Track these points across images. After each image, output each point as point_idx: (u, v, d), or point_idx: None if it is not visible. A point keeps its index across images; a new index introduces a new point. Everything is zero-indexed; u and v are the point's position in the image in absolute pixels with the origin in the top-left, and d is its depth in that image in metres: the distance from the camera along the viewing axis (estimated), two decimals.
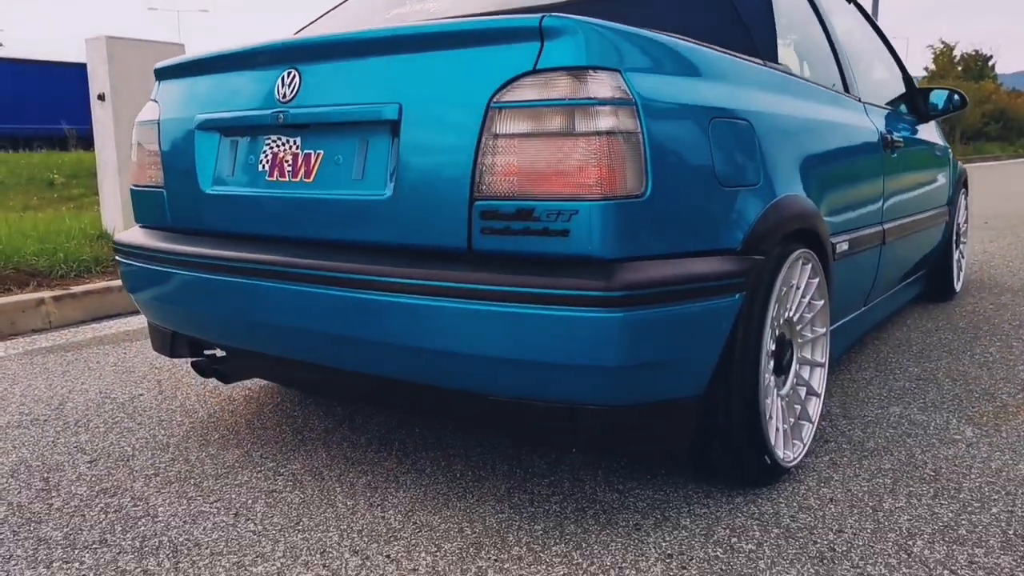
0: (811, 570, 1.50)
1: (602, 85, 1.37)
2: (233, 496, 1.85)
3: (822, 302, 1.97)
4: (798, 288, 1.86)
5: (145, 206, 2.09)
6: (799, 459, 1.89)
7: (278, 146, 1.74)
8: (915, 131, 3.13)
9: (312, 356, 1.71)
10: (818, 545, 1.59)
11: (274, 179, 1.74)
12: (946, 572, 1.49)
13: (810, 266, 1.88)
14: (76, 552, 1.62)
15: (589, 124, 1.36)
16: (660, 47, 1.56)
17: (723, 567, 1.51)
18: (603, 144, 1.35)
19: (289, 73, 1.69)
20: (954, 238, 3.81)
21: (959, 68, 35.90)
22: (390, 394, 1.68)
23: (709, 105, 1.59)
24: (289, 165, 1.71)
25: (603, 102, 1.36)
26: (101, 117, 5.06)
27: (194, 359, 2.12)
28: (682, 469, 1.94)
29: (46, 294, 3.71)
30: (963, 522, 1.69)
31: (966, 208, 4.08)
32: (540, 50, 1.40)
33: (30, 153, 13.92)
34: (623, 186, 1.37)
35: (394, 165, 1.54)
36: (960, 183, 3.80)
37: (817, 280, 1.93)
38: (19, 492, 1.90)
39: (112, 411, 2.46)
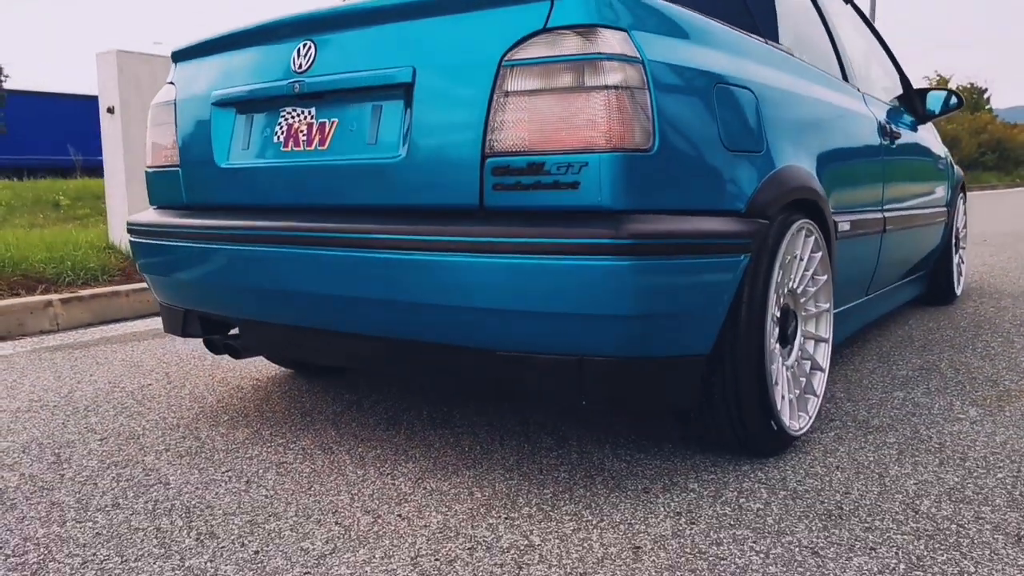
0: (819, 525, 1.51)
1: (610, 42, 1.42)
2: (244, 467, 1.87)
3: (825, 277, 2.00)
4: (801, 260, 1.89)
5: (160, 186, 2.13)
6: (805, 429, 1.91)
7: (293, 117, 1.78)
8: (914, 128, 3.19)
9: (326, 322, 1.74)
10: (825, 504, 1.60)
11: (289, 149, 1.78)
12: (953, 526, 1.50)
13: (813, 239, 1.92)
14: (89, 514, 1.63)
15: (598, 79, 1.40)
16: (666, 13, 1.61)
17: (732, 522, 1.52)
18: (612, 98, 1.39)
19: (305, 44, 1.74)
20: (954, 241, 3.85)
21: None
22: (401, 356, 1.71)
23: (713, 71, 1.64)
24: (304, 135, 1.75)
25: (611, 57, 1.41)
26: (110, 130, 5.13)
27: (206, 336, 2.14)
28: (689, 441, 1.96)
29: (54, 296, 3.74)
30: (969, 485, 1.70)
31: (964, 214, 4.13)
32: (550, 10, 1.45)
33: (35, 181, 14.04)
34: (631, 139, 1.41)
35: (407, 128, 1.58)
36: (958, 187, 3.86)
37: (820, 255, 1.96)
38: (31, 465, 1.91)
39: (121, 398, 2.48)
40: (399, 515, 1.59)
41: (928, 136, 3.46)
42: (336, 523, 1.56)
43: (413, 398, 2.41)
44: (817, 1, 2.60)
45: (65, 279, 4.20)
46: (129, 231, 2.18)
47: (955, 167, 3.92)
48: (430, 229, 1.50)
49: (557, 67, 1.42)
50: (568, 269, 1.39)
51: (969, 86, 37.32)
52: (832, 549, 1.41)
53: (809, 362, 1.99)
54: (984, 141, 26.49)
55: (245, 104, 1.88)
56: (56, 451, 2.00)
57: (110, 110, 5.11)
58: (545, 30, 1.45)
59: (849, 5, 3.10)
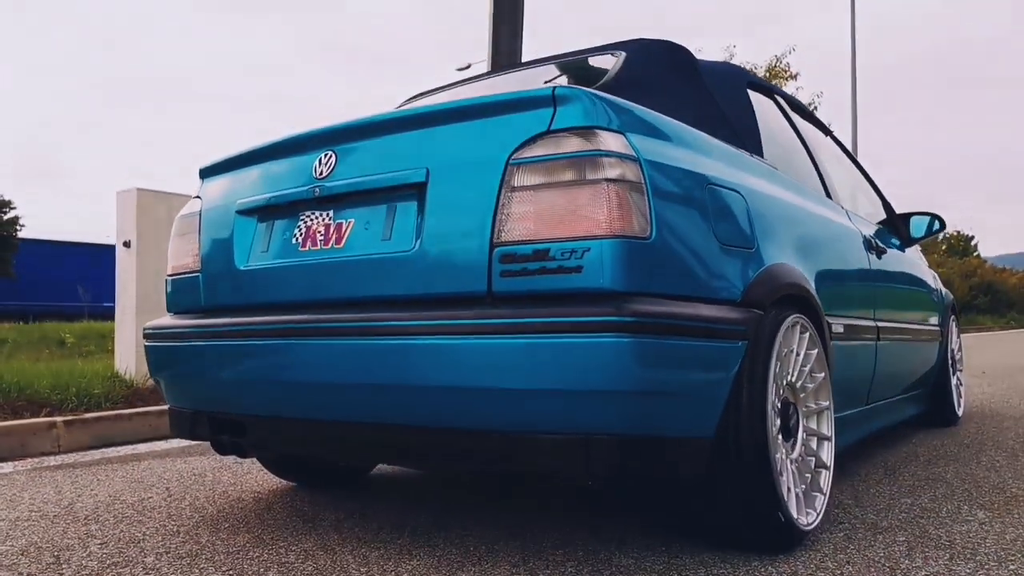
0: None
1: (608, 142, 1.55)
2: (245, 566, 1.84)
3: (823, 375, 2.05)
4: (798, 355, 1.95)
5: (178, 292, 2.22)
6: (814, 525, 1.90)
7: (312, 220, 1.89)
8: (900, 249, 3.33)
9: (337, 413, 1.77)
10: None
11: (306, 249, 1.88)
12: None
13: (808, 336, 1.98)
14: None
15: (598, 173, 1.52)
16: (658, 122, 1.76)
17: None
18: (611, 190, 1.51)
19: (327, 154, 1.88)
20: (950, 362, 3.90)
21: (943, 247, 37.31)
22: (412, 444, 1.72)
23: (704, 173, 1.77)
24: (321, 235, 1.86)
25: (610, 154, 1.53)
26: (125, 263, 5.30)
27: (213, 441, 2.16)
28: (697, 539, 1.93)
29: (57, 419, 3.75)
30: (981, 575, 1.68)
31: (958, 336, 4.21)
32: (553, 115, 1.59)
33: (42, 323, 14.22)
34: (630, 227, 1.51)
35: (420, 223, 1.69)
36: (949, 309, 3.96)
37: (816, 352, 2.02)
38: (29, 565, 1.88)
39: (121, 508, 2.45)
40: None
41: (915, 257, 3.60)
42: None
43: (417, 505, 2.39)
44: (797, 127, 2.80)
45: (69, 404, 4.22)
46: (145, 336, 2.24)
47: (945, 290, 4.03)
48: (441, 314, 1.58)
49: (560, 163, 1.55)
50: (572, 347, 1.45)
51: (956, 234, 38.50)
52: None
53: (813, 459, 2.01)
54: (975, 284, 27.03)
55: (267, 210, 2.00)
56: (55, 554, 1.97)
57: (126, 244, 5.31)
58: (549, 132, 1.58)
59: (829, 137, 3.32)
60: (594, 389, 1.45)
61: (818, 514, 1.93)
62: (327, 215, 1.87)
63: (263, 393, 1.89)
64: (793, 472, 1.88)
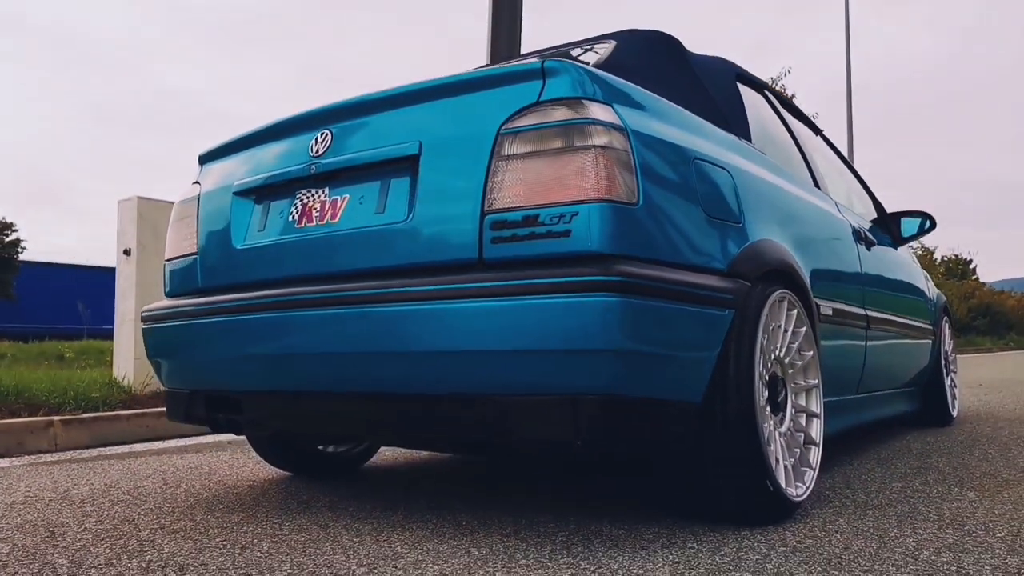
0: (819, 569, 1.50)
1: (596, 112, 1.59)
2: (239, 537, 1.86)
3: (811, 353, 2.08)
4: (786, 331, 1.98)
5: (176, 276, 2.25)
6: (803, 497, 1.91)
7: (308, 198, 1.93)
8: (891, 245, 3.36)
9: (332, 383, 1.79)
10: (825, 555, 1.59)
11: (302, 226, 1.91)
12: (953, 568, 1.50)
13: (795, 313, 2.01)
14: (82, 570, 1.61)
15: (586, 140, 1.56)
16: (646, 97, 1.80)
17: (730, 568, 1.51)
18: (599, 156, 1.55)
19: (323, 133, 1.92)
20: (943, 363, 3.92)
21: (941, 270, 37.34)
22: (403, 413, 1.74)
23: (691, 148, 1.81)
24: (317, 212, 1.90)
25: (597, 122, 1.57)
26: (125, 270, 5.34)
27: (208, 419, 2.18)
28: (687, 513, 1.95)
29: (54, 417, 3.77)
30: (968, 541, 1.69)
31: (951, 338, 4.23)
32: (542, 87, 1.64)
33: (41, 343, 14.23)
34: (617, 193, 1.54)
35: (412, 195, 1.72)
36: (941, 309, 3.98)
37: (804, 330, 2.05)
38: (24, 538, 1.90)
39: (116, 494, 2.46)
40: (396, 566, 1.57)
41: (907, 256, 3.64)
42: (331, 574, 1.54)
43: (411, 492, 2.41)
44: (787, 122, 2.85)
45: (67, 407, 4.23)
46: (143, 320, 2.27)
47: (938, 292, 4.06)
48: (433, 280, 1.61)
49: (549, 132, 1.59)
50: (560, 307, 1.48)
51: (954, 257, 38.51)
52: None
53: (802, 435, 2.03)
54: (974, 306, 27.04)
55: (264, 190, 2.03)
56: (51, 529, 1.99)
57: (126, 252, 5.34)
58: (538, 103, 1.63)
59: (820, 137, 3.37)
60: (582, 348, 1.48)
61: (807, 488, 1.95)
62: (323, 192, 1.91)
63: (260, 367, 1.91)
64: (782, 445, 1.90)
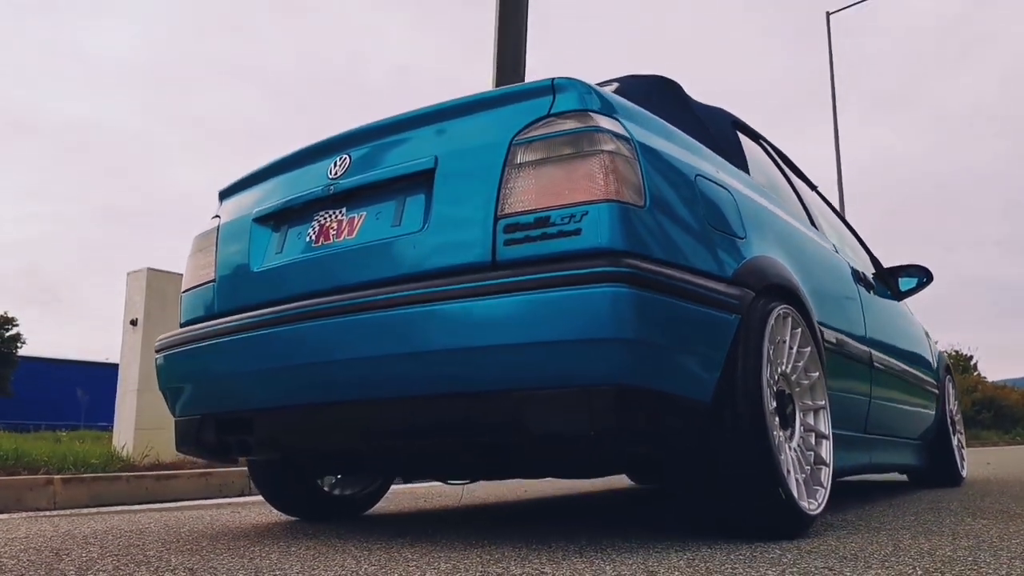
0: (834, 561, 1.49)
1: (604, 122, 1.69)
2: (246, 551, 1.84)
3: (817, 374, 2.10)
4: (791, 348, 2.01)
5: (192, 304, 2.29)
6: (817, 512, 1.90)
7: (326, 219, 2.00)
8: (889, 297, 3.41)
9: (346, 391, 1.80)
10: (840, 554, 1.58)
11: (319, 244, 1.97)
12: (970, 558, 1.49)
13: (800, 332, 2.05)
14: (90, 572, 1.59)
15: (595, 146, 1.64)
16: (651, 118, 1.90)
17: (746, 560, 1.50)
18: (607, 160, 1.63)
19: (342, 157, 2.01)
20: (949, 421, 3.91)
21: None
22: (417, 417, 1.74)
23: (694, 166, 1.89)
24: (334, 230, 1.96)
25: (605, 131, 1.66)
26: (130, 340, 5.37)
27: (219, 444, 2.17)
28: (698, 531, 1.93)
29: (55, 476, 3.73)
30: (983, 545, 1.68)
31: (956, 399, 4.22)
32: (552, 101, 1.74)
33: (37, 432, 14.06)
34: (625, 194, 1.62)
35: (428, 206, 1.79)
36: (944, 367, 4.00)
37: (809, 349, 2.08)
38: (30, 555, 1.88)
39: (119, 532, 2.43)
40: (406, 568, 1.56)
41: (907, 309, 3.68)
42: (341, 566, 1.53)
43: (418, 527, 2.38)
44: (783, 170, 2.95)
45: (67, 470, 4.18)
46: (156, 351, 2.30)
47: (939, 351, 4.09)
48: (448, 281, 1.66)
49: (559, 140, 1.68)
50: (572, 298, 1.52)
51: (955, 353, 38.44)
52: (848, 566, 1.39)
53: (813, 454, 2.03)
54: (978, 399, 26.82)
55: (283, 214, 2.10)
56: (56, 552, 1.96)
57: (133, 322, 5.39)
58: (549, 115, 1.72)
59: (815, 192, 3.47)
60: (593, 337, 1.51)
61: (820, 504, 1.94)
62: (340, 212, 1.98)
63: (274, 381, 1.92)
64: (794, 459, 1.90)
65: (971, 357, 39.49)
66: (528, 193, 1.66)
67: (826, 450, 2.08)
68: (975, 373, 36.41)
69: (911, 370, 3.30)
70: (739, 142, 2.50)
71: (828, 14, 16.60)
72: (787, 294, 2.02)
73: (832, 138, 15.93)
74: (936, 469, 3.77)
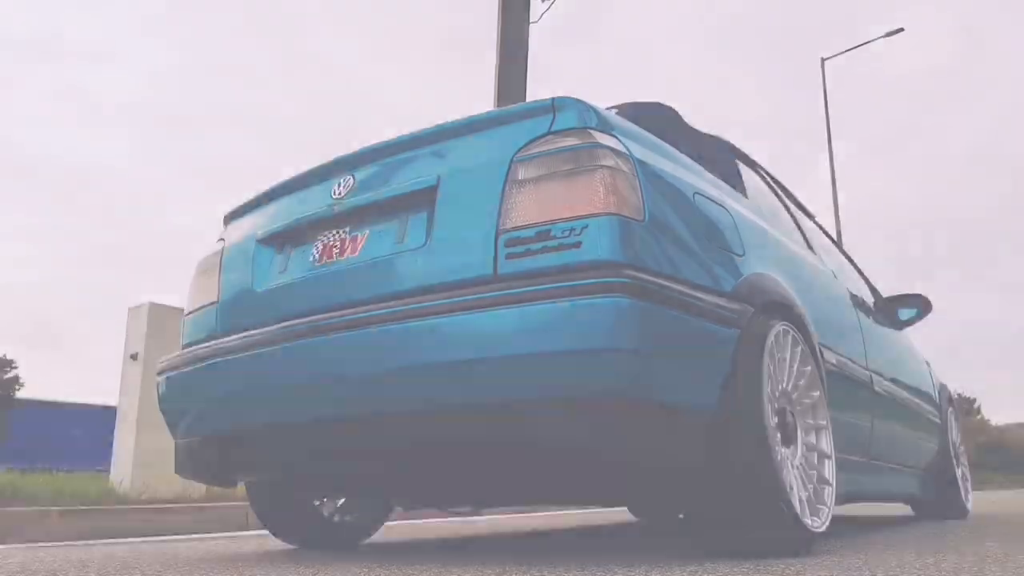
0: (839, 572, 1.48)
1: (603, 139, 1.72)
2: (246, 567, 1.82)
3: (818, 393, 2.11)
4: (792, 366, 2.02)
5: (194, 327, 2.29)
6: (821, 529, 1.89)
7: (329, 237, 2.01)
8: (889, 326, 3.42)
9: (352, 407, 1.79)
10: (846, 564, 1.57)
11: (322, 263, 1.99)
12: (975, 568, 1.47)
13: (799, 350, 2.06)
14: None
15: (595, 162, 1.67)
16: (649, 137, 1.94)
17: (751, 572, 1.49)
18: (607, 175, 1.65)
19: (345, 178, 2.04)
20: (953, 452, 3.88)
21: None
22: (419, 431, 1.73)
23: (693, 184, 1.92)
24: (337, 249, 1.98)
25: (605, 147, 1.69)
26: (130, 374, 5.36)
27: (220, 464, 2.16)
28: (701, 547, 1.91)
29: (52, 508, 3.69)
30: (988, 560, 1.67)
31: (958, 431, 4.20)
32: (552, 119, 1.77)
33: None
34: (625, 208, 1.64)
35: (430, 223, 1.81)
36: (946, 397, 3.98)
37: (809, 369, 2.09)
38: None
39: (117, 557, 2.41)
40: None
41: (907, 337, 3.69)
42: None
43: (419, 551, 2.36)
44: (781, 198, 2.99)
45: (64, 502, 4.14)
46: (159, 373, 2.30)
47: (941, 382, 4.08)
48: (450, 295, 1.67)
49: (560, 157, 1.71)
50: (573, 309, 1.54)
51: (958, 396, 38.20)
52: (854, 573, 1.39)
53: (815, 473, 2.02)
54: (983, 443, 26.56)
55: (287, 235, 2.12)
56: (52, 574, 1.94)
57: (133, 356, 5.39)
58: (549, 133, 1.76)
59: (813, 221, 3.50)
60: (595, 347, 1.52)
61: (824, 523, 1.93)
62: (343, 231, 2.00)
63: (274, 398, 1.92)
64: (796, 476, 1.90)
65: (974, 400, 39.27)
66: (529, 208, 1.69)
67: (829, 470, 2.07)
68: (978, 417, 36.15)
69: (913, 398, 3.29)
70: (737, 168, 2.54)
71: (823, 59, 16.88)
72: (787, 312, 2.03)
73: (828, 174, 16.13)
74: (941, 500, 3.73)
